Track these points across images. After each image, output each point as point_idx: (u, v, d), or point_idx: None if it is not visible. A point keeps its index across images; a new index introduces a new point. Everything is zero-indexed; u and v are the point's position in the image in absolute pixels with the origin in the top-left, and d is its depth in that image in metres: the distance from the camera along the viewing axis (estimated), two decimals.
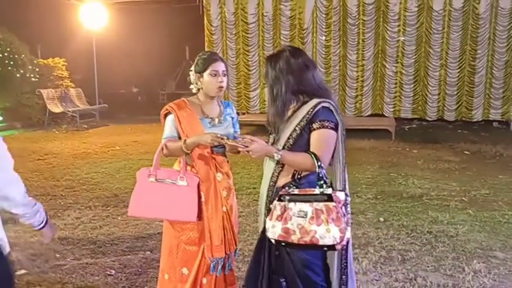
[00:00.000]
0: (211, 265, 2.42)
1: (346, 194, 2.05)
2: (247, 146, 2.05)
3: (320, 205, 1.95)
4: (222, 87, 2.45)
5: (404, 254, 3.68)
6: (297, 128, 2.11)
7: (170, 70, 16.09)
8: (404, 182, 5.97)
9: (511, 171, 6.48)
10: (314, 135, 2.09)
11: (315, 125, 2.08)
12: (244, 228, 4.25)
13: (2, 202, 1.87)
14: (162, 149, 2.39)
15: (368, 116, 10.96)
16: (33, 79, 11.08)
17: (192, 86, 2.56)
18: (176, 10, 13.64)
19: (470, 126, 10.40)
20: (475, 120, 10.59)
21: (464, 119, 10.68)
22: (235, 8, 11.15)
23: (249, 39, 11.20)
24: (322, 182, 2.00)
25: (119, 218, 4.76)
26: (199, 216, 2.37)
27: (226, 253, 2.46)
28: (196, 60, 2.52)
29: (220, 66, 2.44)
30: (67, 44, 12.20)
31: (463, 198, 5.23)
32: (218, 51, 11.08)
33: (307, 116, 2.10)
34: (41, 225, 2.06)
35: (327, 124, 2.08)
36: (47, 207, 4.93)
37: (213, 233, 2.39)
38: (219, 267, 2.44)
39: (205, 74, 2.44)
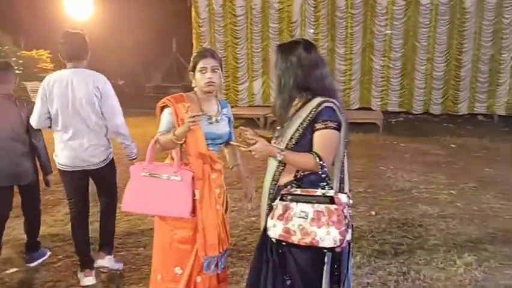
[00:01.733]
0: (204, 264, 2.40)
1: (348, 197, 2.04)
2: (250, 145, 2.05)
3: (322, 207, 1.94)
4: (211, 82, 2.42)
5: (397, 247, 3.74)
6: (299, 128, 2.10)
7: (156, 62, 15.90)
8: (393, 175, 6.04)
9: (497, 165, 6.61)
10: (317, 136, 2.08)
11: (318, 125, 2.07)
12: (237, 224, 4.26)
13: (112, 128, 3.04)
14: (155, 142, 2.36)
15: (355, 109, 11.02)
16: (16, 71, 10.84)
17: (193, 84, 2.54)
18: (164, 1, 13.47)
19: (456, 120, 10.55)
20: (461, 113, 10.74)
21: (449, 112, 10.83)
22: (223, 0, 11.04)
23: (237, 32, 11.13)
24: (324, 183, 2.00)
25: None
26: (193, 213, 2.35)
27: (219, 252, 2.45)
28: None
29: (208, 62, 2.41)
30: (51, 35, 11.92)
31: (451, 191, 5.31)
32: (206, 44, 10.99)
33: (310, 115, 2.09)
34: (133, 157, 3.16)
35: (330, 124, 2.07)
36: None
37: (207, 231, 2.37)
38: (212, 266, 2.42)
39: (196, 72, 2.43)
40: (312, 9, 10.86)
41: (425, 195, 5.15)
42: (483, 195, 5.14)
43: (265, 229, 2.12)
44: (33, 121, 3.06)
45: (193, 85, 2.50)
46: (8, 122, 3.21)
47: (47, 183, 3.52)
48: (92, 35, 11.65)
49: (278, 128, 2.24)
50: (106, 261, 3.30)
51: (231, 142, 2.53)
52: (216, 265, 2.44)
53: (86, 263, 3.22)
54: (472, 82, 10.58)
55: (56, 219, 4.52)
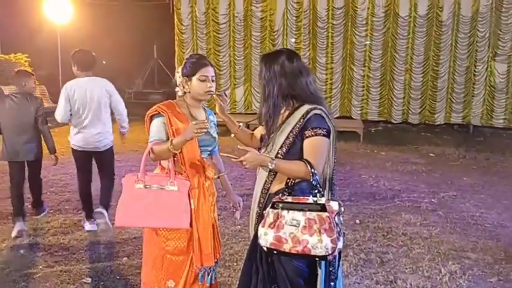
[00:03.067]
0: (200, 275, 2.36)
1: (339, 204, 2.06)
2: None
3: (313, 214, 1.95)
4: (210, 92, 2.42)
5: (382, 256, 3.77)
6: (290, 136, 2.12)
7: (137, 68, 15.71)
8: (376, 183, 6.12)
9: (475, 173, 6.78)
10: (307, 143, 2.10)
11: (307, 133, 2.09)
12: (223, 232, 4.22)
13: (117, 114, 4.28)
14: (149, 153, 2.31)
15: (336, 118, 11.13)
16: None
17: (177, 89, 2.50)
18: (145, 7, 13.37)
19: (433, 129, 10.79)
20: (438, 123, 10.99)
21: (427, 122, 11.06)
22: (205, 8, 11.03)
23: (219, 39, 11.12)
24: (316, 190, 2.01)
25: None
26: (190, 223, 2.30)
27: (214, 261, 2.43)
28: (184, 63, 2.46)
29: (209, 72, 2.41)
30: (30, 38, 11.64)
31: (432, 199, 5.41)
32: (188, 51, 10.94)
33: (300, 123, 2.11)
34: (125, 132, 4.43)
35: (319, 131, 2.09)
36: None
37: (203, 241, 2.33)
38: (207, 277, 2.39)
39: (194, 78, 2.39)
40: (294, 18, 10.97)
41: (408, 204, 5.23)
42: (463, 204, 5.25)
43: (255, 238, 2.11)
44: (59, 117, 4.09)
45: (181, 91, 2.46)
46: (21, 114, 4.22)
47: (56, 161, 4.47)
48: (72, 39, 11.52)
49: (265, 137, 2.25)
50: (104, 219, 4.23)
51: (221, 154, 2.51)
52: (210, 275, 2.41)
53: (89, 214, 4.33)
54: (449, 93, 10.85)
55: (35, 227, 4.39)
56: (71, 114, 4.07)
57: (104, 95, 4.15)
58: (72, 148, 4.22)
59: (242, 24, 11.02)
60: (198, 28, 11.11)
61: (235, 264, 3.61)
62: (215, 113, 2.60)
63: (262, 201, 2.22)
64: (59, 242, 4.07)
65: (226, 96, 2.48)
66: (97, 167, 4.35)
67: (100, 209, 4.22)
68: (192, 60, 2.43)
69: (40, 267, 3.58)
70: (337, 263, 2.17)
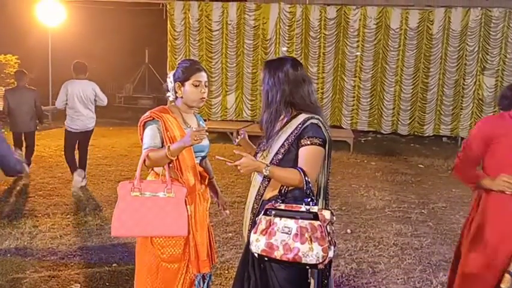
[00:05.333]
0: (196, 281, 2.33)
1: (332, 213, 2.06)
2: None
3: (305, 223, 1.96)
4: (204, 98, 2.41)
5: (374, 266, 3.77)
6: (285, 144, 2.13)
7: (128, 73, 15.62)
8: (366, 193, 6.14)
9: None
10: (303, 152, 2.11)
11: (303, 141, 2.11)
12: (214, 239, 4.18)
13: (100, 104, 6.20)
14: (144, 160, 2.27)
15: None
16: None
17: (168, 94, 2.47)
18: (138, 12, 13.33)
19: (422, 141, 10.91)
20: (426, 135, 11.11)
21: (416, 133, 11.18)
22: (199, 15, 11.05)
23: (212, 46, 11.13)
24: (309, 199, 2.02)
25: (80, 227, 4.54)
26: (188, 229, 2.28)
27: (210, 267, 2.41)
28: (176, 68, 2.43)
29: (203, 77, 2.39)
30: (20, 40, 11.50)
31: (422, 210, 5.45)
32: (180, 57, 10.92)
33: (296, 131, 2.12)
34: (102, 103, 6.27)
35: (315, 141, 2.10)
36: None
37: (200, 247, 2.31)
38: (204, 283, 2.36)
39: (187, 84, 2.36)
40: (287, 28, 11.04)
41: (398, 214, 5.26)
42: (453, 215, 5.30)
43: (248, 244, 2.11)
44: (57, 103, 5.98)
45: (173, 96, 2.43)
46: (26, 101, 6.44)
47: (40, 127, 6.97)
48: (63, 42, 11.42)
49: (263, 142, 2.26)
50: (82, 177, 5.96)
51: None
52: (206, 281, 2.38)
53: (74, 169, 5.98)
54: (438, 105, 11.00)
55: (22, 231, 4.30)
56: (66, 104, 5.86)
57: (91, 93, 5.96)
58: (66, 130, 5.97)
59: (235, 31, 11.06)
60: (190, 34, 11.11)
61: (226, 272, 3.58)
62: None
63: (255, 207, 2.22)
64: (47, 246, 4.00)
65: (245, 135, 2.52)
66: (79, 142, 6.03)
67: (81, 170, 5.99)
68: (184, 65, 2.40)
69: (27, 272, 3.50)
70: (328, 272, 2.17)
